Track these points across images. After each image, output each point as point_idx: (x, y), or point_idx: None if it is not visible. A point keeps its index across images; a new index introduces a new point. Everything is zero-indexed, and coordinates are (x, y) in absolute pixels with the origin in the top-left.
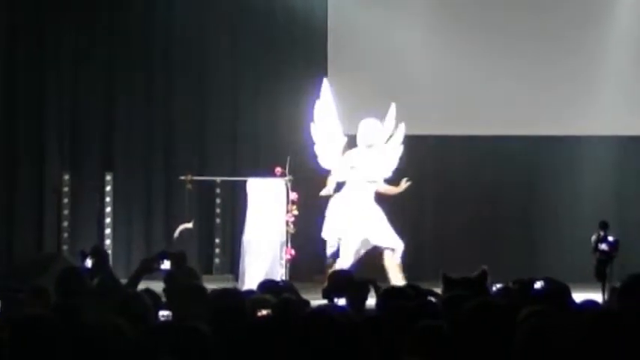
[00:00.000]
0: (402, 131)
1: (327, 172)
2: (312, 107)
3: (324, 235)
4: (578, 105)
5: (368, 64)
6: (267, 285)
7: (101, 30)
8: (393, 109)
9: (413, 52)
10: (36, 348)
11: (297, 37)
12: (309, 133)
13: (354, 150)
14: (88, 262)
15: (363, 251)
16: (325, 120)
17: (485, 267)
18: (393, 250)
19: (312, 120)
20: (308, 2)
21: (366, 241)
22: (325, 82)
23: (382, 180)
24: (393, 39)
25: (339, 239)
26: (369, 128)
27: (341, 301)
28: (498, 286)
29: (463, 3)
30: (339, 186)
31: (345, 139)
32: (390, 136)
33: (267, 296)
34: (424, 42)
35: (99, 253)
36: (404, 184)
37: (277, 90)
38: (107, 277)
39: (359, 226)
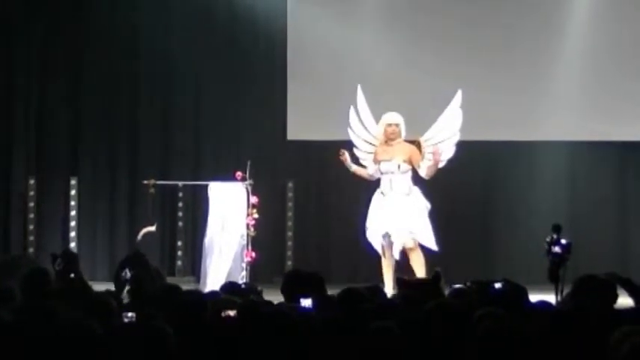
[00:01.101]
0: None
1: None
2: (273, 112)
3: (369, 236)
4: (533, 111)
5: (327, 68)
6: (231, 287)
7: (67, 36)
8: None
9: (371, 57)
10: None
11: (258, 43)
12: (269, 137)
13: (381, 147)
14: (59, 265)
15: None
16: (361, 124)
17: (438, 269)
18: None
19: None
20: (269, 8)
21: (408, 235)
22: (359, 88)
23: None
24: (352, 43)
25: (388, 234)
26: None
27: (306, 302)
28: (456, 286)
29: (423, 10)
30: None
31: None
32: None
33: (233, 297)
34: (382, 47)
35: (69, 256)
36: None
37: (238, 95)
38: (78, 278)
39: (403, 220)
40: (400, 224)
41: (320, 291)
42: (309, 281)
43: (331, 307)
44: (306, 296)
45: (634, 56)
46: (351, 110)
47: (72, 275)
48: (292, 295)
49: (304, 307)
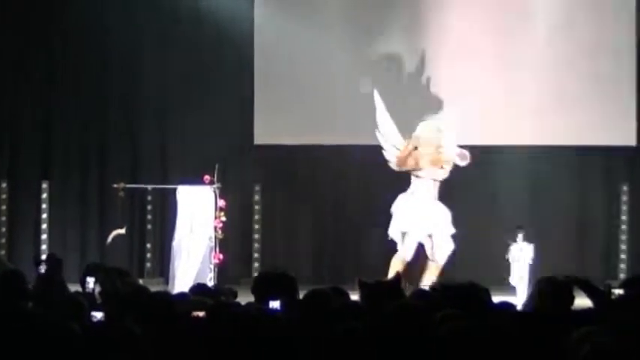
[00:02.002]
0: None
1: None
2: (240, 117)
3: (391, 233)
4: (493, 115)
5: (294, 72)
6: (200, 288)
7: (38, 41)
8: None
9: (334, 66)
10: None
11: (225, 48)
12: (236, 141)
13: (417, 151)
14: (42, 268)
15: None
16: (385, 127)
17: (399, 271)
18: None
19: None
20: (236, 13)
21: (427, 237)
22: (375, 93)
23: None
24: (318, 48)
25: (404, 233)
26: (432, 130)
27: (275, 304)
28: (420, 288)
29: (388, 16)
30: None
31: (406, 142)
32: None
33: (203, 298)
34: (345, 57)
35: (53, 260)
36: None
37: (206, 100)
38: (60, 282)
39: (423, 222)
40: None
41: (291, 292)
42: (280, 282)
43: (299, 309)
44: (276, 297)
45: (592, 64)
46: (377, 115)
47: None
48: (263, 295)
49: (272, 309)
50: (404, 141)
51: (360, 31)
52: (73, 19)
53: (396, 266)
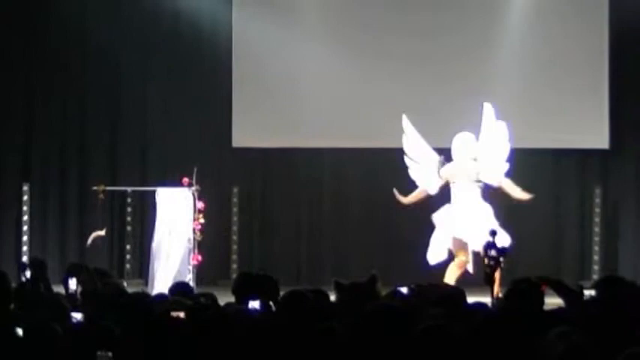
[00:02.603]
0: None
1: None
2: (219, 120)
3: (430, 259)
4: (467, 119)
5: (272, 76)
6: (181, 287)
7: (18, 44)
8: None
9: (312, 69)
10: None
11: (203, 51)
12: (215, 144)
13: (450, 164)
14: (27, 273)
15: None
16: (416, 149)
17: (375, 272)
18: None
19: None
20: (215, 17)
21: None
22: (404, 117)
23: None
24: (296, 52)
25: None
26: (469, 141)
27: (255, 304)
28: (402, 290)
29: (365, 20)
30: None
31: (439, 158)
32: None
33: (182, 299)
34: (327, 56)
35: (37, 264)
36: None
37: (185, 103)
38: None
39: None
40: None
41: (273, 293)
42: (261, 283)
43: (278, 310)
44: (257, 298)
45: (565, 67)
46: (405, 140)
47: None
48: (244, 296)
49: (252, 309)
50: (437, 155)
51: (338, 34)
52: (53, 21)
53: (453, 272)
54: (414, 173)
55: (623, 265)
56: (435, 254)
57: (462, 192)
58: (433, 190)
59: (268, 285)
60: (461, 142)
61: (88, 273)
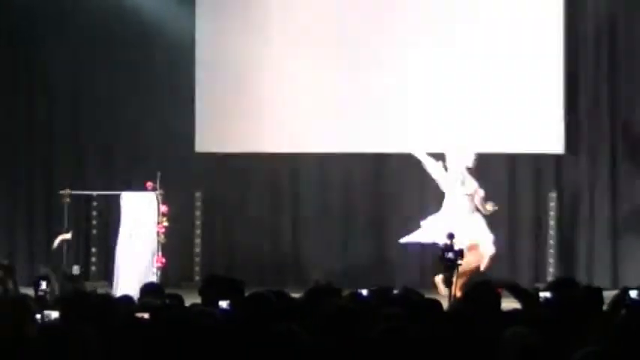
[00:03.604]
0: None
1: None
2: (182, 126)
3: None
4: (423, 124)
5: (233, 82)
6: (150, 287)
7: None
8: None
9: (273, 76)
10: None
11: (167, 58)
12: (178, 149)
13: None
14: None
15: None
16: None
17: (317, 278)
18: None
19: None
20: (178, 25)
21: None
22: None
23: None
24: (257, 59)
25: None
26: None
27: (224, 304)
28: (363, 292)
29: (324, 27)
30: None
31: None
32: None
33: (148, 300)
34: (283, 67)
35: (4, 268)
36: (490, 207)
37: (149, 110)
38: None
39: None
40: None
41: (239, 294)
42: (228, 284)
43: (242, 310)
44: (224, 299)
45: (520, 72)
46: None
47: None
48: (211, 297)
49: (221, 309)
50: (442, 164)
51: (298, 41)
52: (19, 27)
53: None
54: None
55: (577, 269)
56: (410, 237)
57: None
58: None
59: (234, 287)
60: (456, 152)
61: (55, 276)
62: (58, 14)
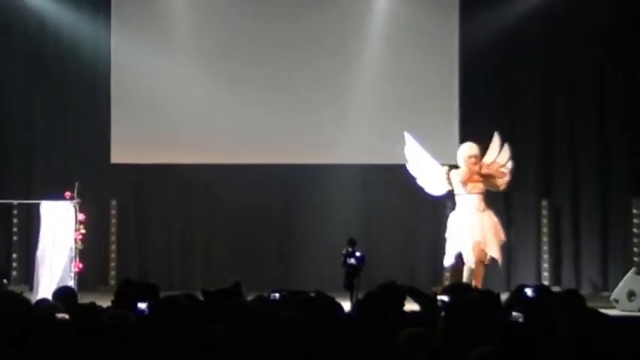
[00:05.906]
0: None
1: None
2: (99, 138)
3: (446, 262)
4: (325, 135)
5: (147, 97)
6: (63, 292)
7: None
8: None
9: (185, 89)
10: None
11: (83, 74)
12: (95, 160)
13: (457, 170)
14: None
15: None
16: (420, 161)
17: (238, 279)
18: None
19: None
20: (94, 40)
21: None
22: (407, 135)
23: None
24: (171, 73)
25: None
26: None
27: (142, 305)
28: (275, 295)
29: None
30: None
31: (446, 168)
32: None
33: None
34: (194, 81)
35: None
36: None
37: (67, 123)
38: None
39: (473, 233)
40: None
41: (154, 297)
42: (143, 288)
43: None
44: (141, 301)
45: (416, 87)
46: (406, 151)
47: None
48: (127, 300)
49: (140, 310)
50: (441, 167)
51: (208, 56)
52: None
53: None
54: (420, 182)
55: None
56: (447, 257)
57: (463, 198)
58: (439, 193)
59: (149, 291)
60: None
61: None
62: None
